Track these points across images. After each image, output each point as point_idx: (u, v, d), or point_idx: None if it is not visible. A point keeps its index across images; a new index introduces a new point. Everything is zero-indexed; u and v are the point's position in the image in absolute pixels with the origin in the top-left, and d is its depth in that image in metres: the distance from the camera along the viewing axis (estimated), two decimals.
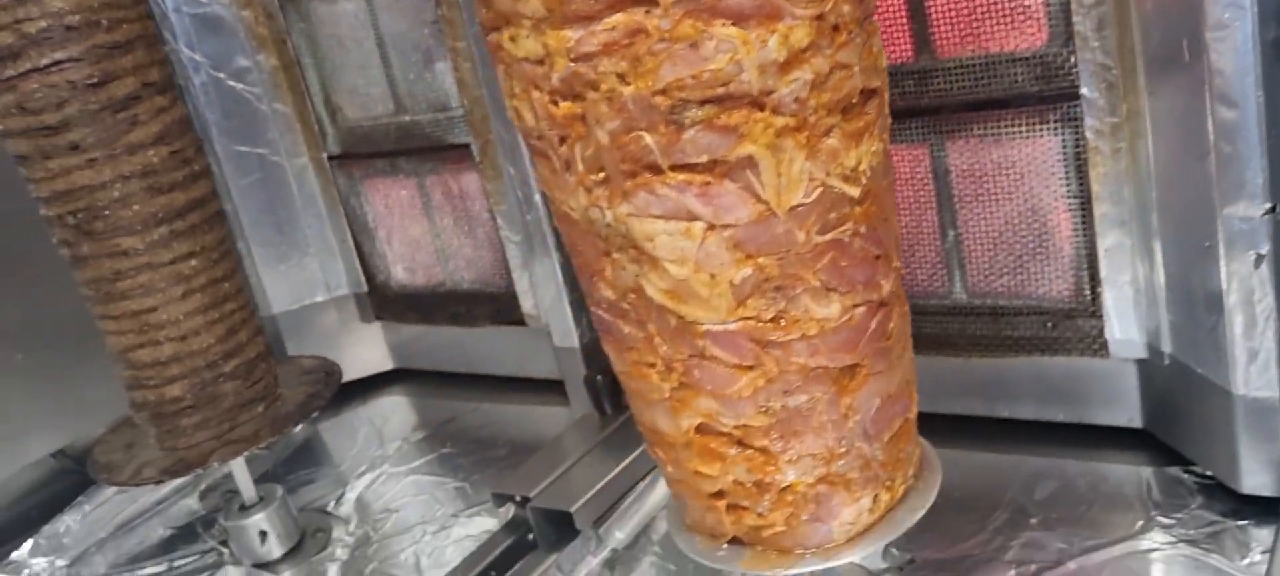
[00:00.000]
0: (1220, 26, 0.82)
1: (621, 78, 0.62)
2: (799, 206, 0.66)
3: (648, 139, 0.64)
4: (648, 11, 0.61)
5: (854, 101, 0.69)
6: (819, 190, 0.67)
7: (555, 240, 1.29)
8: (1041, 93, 0.99)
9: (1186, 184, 0.90)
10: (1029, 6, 0.97)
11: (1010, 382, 1.12)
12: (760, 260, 0.67)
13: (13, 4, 1.03)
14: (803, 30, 0.63)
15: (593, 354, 1.32)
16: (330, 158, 1.54)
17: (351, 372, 1.60)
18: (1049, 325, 1.07)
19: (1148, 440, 1.06)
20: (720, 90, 0.62)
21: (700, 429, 0.74)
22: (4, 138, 1.10)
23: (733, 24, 0.61)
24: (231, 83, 1.51)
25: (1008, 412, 1.14)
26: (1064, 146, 1.00)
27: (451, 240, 1.49)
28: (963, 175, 1.06)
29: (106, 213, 1.10)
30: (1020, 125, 1.02)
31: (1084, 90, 0.95)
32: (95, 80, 1.07)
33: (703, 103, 0.63)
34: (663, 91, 0.62)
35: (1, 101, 1.06)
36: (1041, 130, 1.01)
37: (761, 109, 0.63)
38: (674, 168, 0.64)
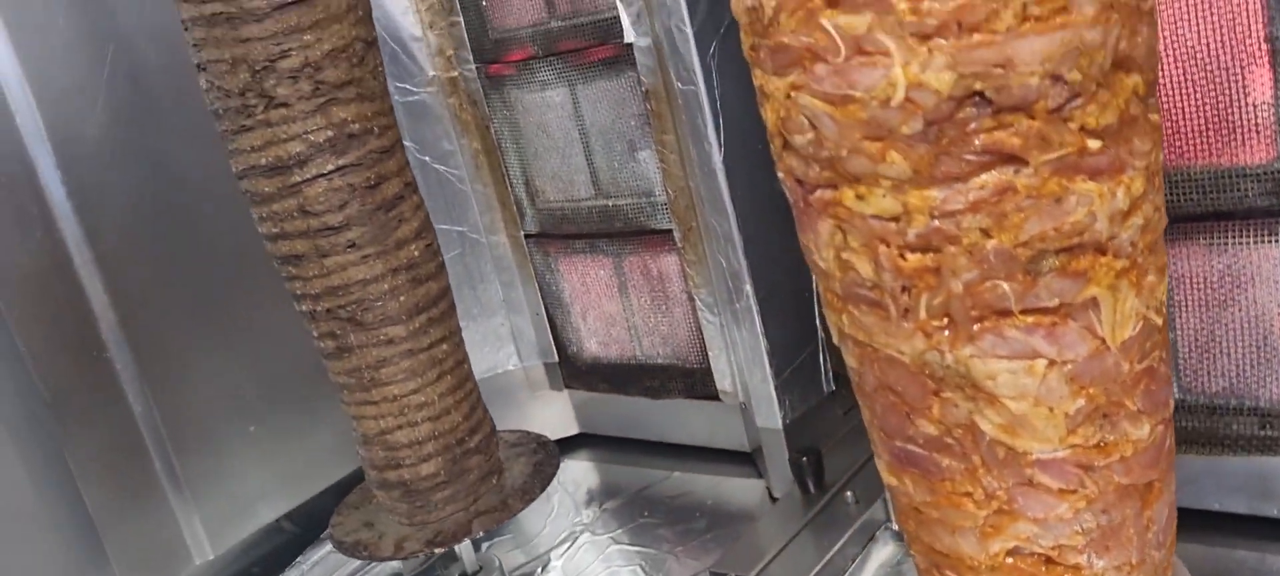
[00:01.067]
0: None
1: (985, 232, 0.69)
2: (1127, 339, 0.72)
3: (1005, 287, 0.70)
4: (1017, 171, 0.67)
5: (1160, 238, 0.75)
6: (1141, 323, 0.73)
7: (762, 326, 1.36)
8: (1269, 207, 1.05)
9: None
10: (1259, 124, 1.03)
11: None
12: (1091, 391, 0.73)
13: (303, 116, 1.13)
14: (1140, 180, 0.70)
15: (795, 434, 1.39)
16: (527, 236, 1.63)
17: None
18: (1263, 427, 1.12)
19: None
20: (1075, 240, 0.69)
21: (1013, 552, 0.80)
22: (278, 238, 1.19)
23: (1090, 179, 0.68)
24: (436, 165, 1.61)
25: (1219, 506, 1.18)
26: None
27: (648, 317, 1.57)
28: (1185, 281, 1.12)
29: (377, 304, 1.19)
30: (1247, 237, 1.07)
31: None
32: (371, 183, 1.17)
33: (1058, 252, 0.70)
34: (1025, 243, 0.69)
35: (284, 205, 1.16)
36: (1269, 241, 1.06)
37: (1104, 253, 0.70)
38: (1024, 311, 0.71)
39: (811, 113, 0.70)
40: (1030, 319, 0.71)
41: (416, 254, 1.21)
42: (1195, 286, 1.12)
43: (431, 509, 1.26)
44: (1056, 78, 0.68)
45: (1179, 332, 1.14)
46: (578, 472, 1.66)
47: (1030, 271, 0.71)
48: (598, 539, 1.48)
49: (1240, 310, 1.10)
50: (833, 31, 0.67)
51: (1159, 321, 0.75)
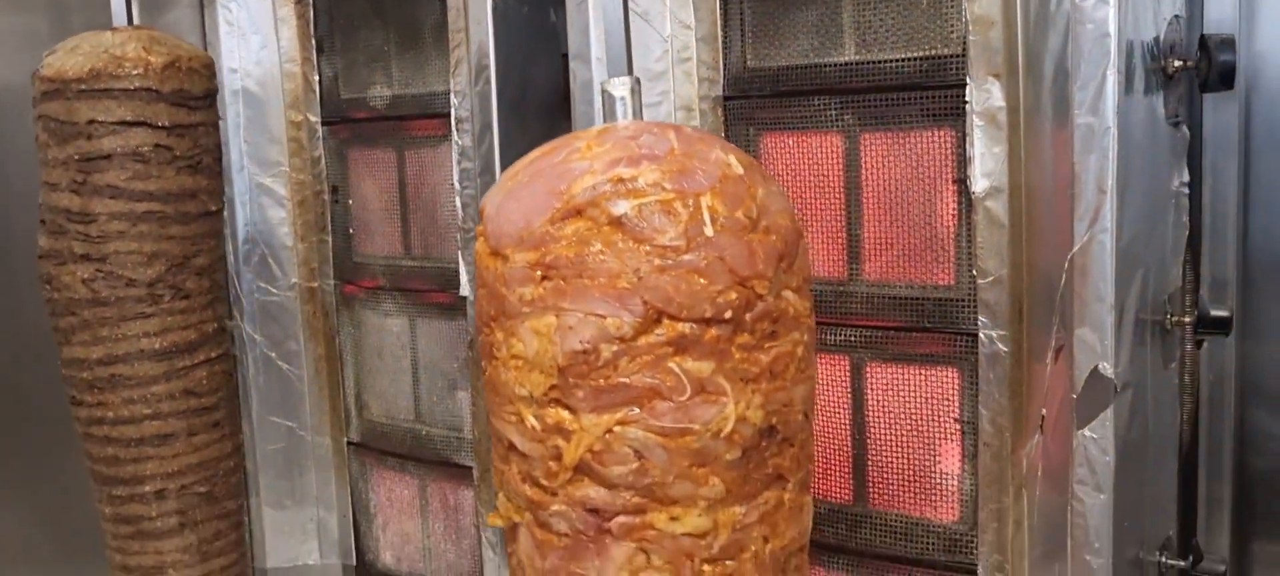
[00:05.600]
0: None
1: (765, 539, 0.87)
2: None
3: None
4: (784, 488, 0.89)
5: None
6: None
7: None
8: (948, 561, 1.19)
9: None
10: (946, 490, 1.19)
11: None
12: None
13: (200, 308, 1.38)
14: None
15: None
16: (349, 443, 1.74)
17: None
18: None
19: None
20: (804, 542, 0.94)
21: None
22: (148, 420, 1.36)
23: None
24: (280, 362, 1.73)
25: None
26: None
27: (439, 542, 1.67)
28: None
29: (226, 479, 1.46)
30: None
31: None
32: (231, 370, 1.42)
33: (799, 550, 0.91)
34: (785, 546, 0.89)
35: (168, 387, 1.36)
36: None
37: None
38: None
39: (641, 445, 0.85)
40: None
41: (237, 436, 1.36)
42: None
43: None
44: (805, 416, 0.90)
45: None
46: None
47: (783, 569, 0.89)
48: None
49: None
50: (681, 374, 0.83)
51: None
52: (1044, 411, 1.06)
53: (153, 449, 1.33)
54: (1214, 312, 1.12)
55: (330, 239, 1.70)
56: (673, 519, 0.87)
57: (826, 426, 1.24)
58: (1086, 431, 1.01)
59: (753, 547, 0.87)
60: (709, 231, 0.85)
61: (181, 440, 1.34)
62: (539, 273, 0.86)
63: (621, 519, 0.88)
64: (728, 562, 0.87)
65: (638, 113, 0.92)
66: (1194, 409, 1.20)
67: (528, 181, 0.89)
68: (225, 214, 1.68)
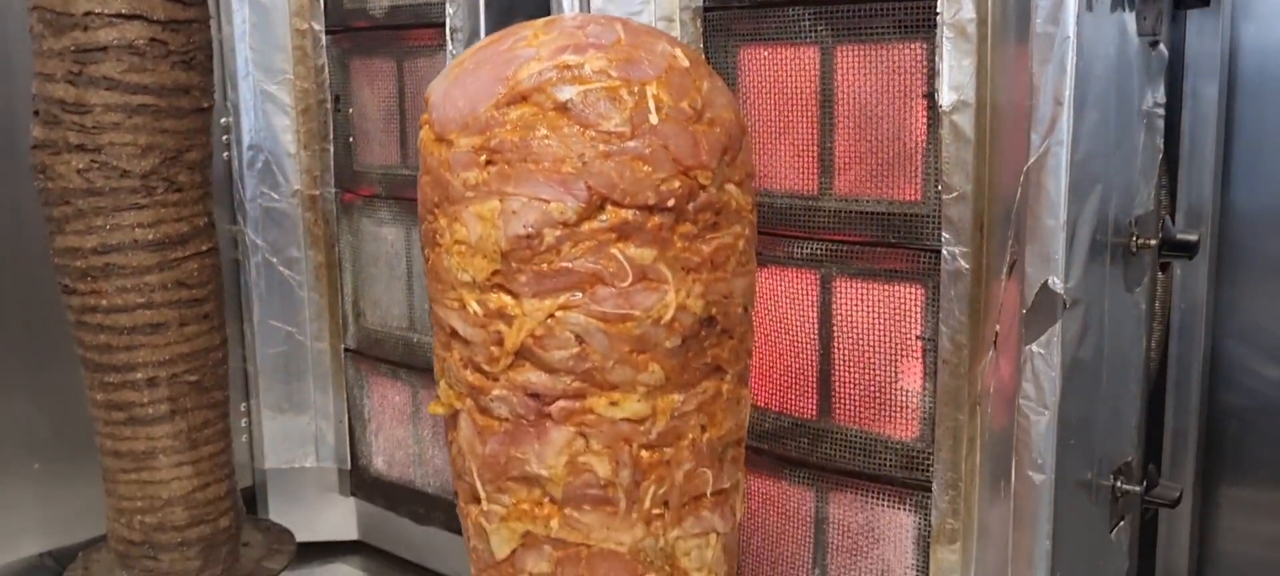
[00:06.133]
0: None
1: (703, 428, 0.89)
2: None
3: (708, 473, 0.89)
4: (722, 378, 0.90)
5: None
6: None
7: None
8: (904, 478, 1.20)
9: None
10: (907, 407, 1.19)
11: None
12: (729, 562, 0.95)
13: (191, 201, 1.40)
14: None
15: None
16: (346, 349, 1.78)
17: (320, 535, 1.82)
18: None
19: None
20: (741, 434, 0.93)
21: None
22: (140, 309, 1.38)
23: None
24: (281, 268, 1.77)
25: None
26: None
27: (427, 448, 1.71)
28: (835, 526, 1.27)
29: (215, 369, 1.46)
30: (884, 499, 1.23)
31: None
32: (218, 265, 1.45)
33: (736, 442, 0.92)
34: (722, 436, 0.90)
35: (160, 278, 1.38)
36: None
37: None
38: (713, 493, 0.89)
39: (582, 329, 0.87)
40: (714, 499, 0.89)
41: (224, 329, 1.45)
42: (842, 533, 1.26)
43: (219, 564, 1.43)
44: (744, 310, 0.92)
45: (831, 572, 1.28)
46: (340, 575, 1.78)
47: (720, 460, 0.90)
48: None
49: (871, 561, 1.24)
50: (623, 260, 0.85)
51: None
52: (998, 328, 1.07)
53: (145, 337, 1.37)
54: (1182, 236, 1.11)
55: (331, 148, 1.73)
56: (612, 404, 0.89)
57: (794, 342, 1.25)
58: (1034, 346, 1.01)
59: (690, 435, 0.89)
60: (654, 119, 0.87)
61: (173, 330, 1.39)
62: (483, 157, 0.88)
63: (562, 403, 0.90)
64: (666, 449, 0.89)
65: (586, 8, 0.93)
66: (1164, 337, 1.20)
67: (474, 68, 0.90)
68: (230, 120, 1.73)
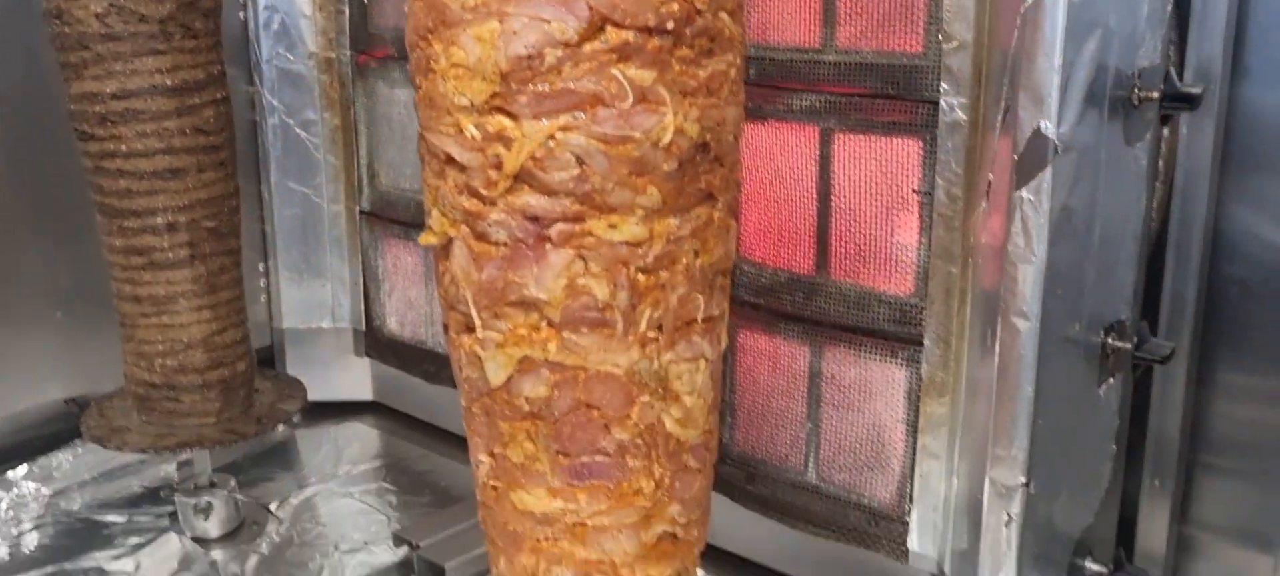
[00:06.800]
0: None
1: (696, 254, 0.90)
2: None
3: (700, 299, 0.91)
4: (714, 206, 0.90)
5: None
6: None
7: None
8: (898, 333, 1.22)
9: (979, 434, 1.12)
10: (903, 262, 1.20)
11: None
12: (714, 388, 0.97)
13: (206, 49, 1.41)
14: None
15: None
16: (361, 211, 1.81)
17: (336, 395, 1.87)
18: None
19: None
20: (730, 262, 0.95)
21: (661, 537, 0.97)
22: (159, 154, 1.40)
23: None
24: (298, 130, 1.79)
25: None
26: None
27: (439, 311, 1.73)
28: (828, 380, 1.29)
29: (231, 216, 1.48)
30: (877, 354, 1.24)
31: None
32: (230, 115, 1.46)
33: (723, 271, 0.93)
34: (713, 263, 0.91)
35: (179, 123, 1.39)
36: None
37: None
38: (704, 320, 0.91)
39: (583, 151, 0.87)
40: (704, 325, 0.91)
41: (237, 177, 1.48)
42: (835, 386, 1.28)
43: (236, 407, 1.48)
44: (734, 139, 0.92)
45: (824, 425, 1.30)
46: (355, 434, 1.83)
47: (710, 287, 0.91)
48: (338, 491, 1.64)
49: (864, 416, 1.26)
50: (624, 81, 0.85)
51: None
52: (991, 177, 1.07)
53: (164, 182, 1.40)
54: (1185, 89, 1.09)
55: (347, 9, 1.74)
56: (611, 226, 0.89)
57: (792, 194, 1.26)
58: (1024, 192, 1.01)
59: (684, 260, 0.90)
60: None
61: (191, 175, 1.41)
62: None
63: (561, 226, 0.90)
64: (661, 272, 0.90)
65: None
66: (1166, 197, 1.19)
67: None
68: None
